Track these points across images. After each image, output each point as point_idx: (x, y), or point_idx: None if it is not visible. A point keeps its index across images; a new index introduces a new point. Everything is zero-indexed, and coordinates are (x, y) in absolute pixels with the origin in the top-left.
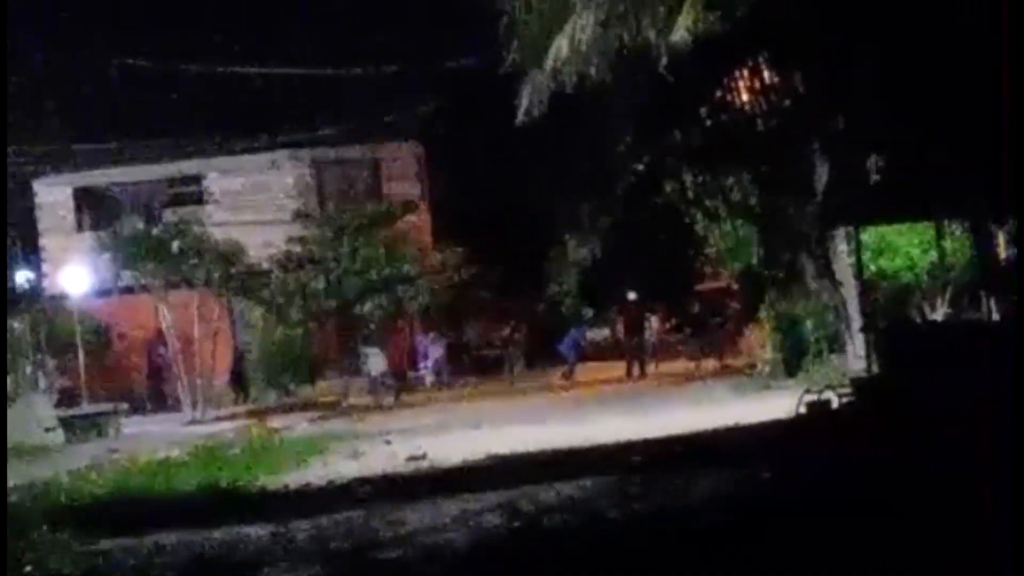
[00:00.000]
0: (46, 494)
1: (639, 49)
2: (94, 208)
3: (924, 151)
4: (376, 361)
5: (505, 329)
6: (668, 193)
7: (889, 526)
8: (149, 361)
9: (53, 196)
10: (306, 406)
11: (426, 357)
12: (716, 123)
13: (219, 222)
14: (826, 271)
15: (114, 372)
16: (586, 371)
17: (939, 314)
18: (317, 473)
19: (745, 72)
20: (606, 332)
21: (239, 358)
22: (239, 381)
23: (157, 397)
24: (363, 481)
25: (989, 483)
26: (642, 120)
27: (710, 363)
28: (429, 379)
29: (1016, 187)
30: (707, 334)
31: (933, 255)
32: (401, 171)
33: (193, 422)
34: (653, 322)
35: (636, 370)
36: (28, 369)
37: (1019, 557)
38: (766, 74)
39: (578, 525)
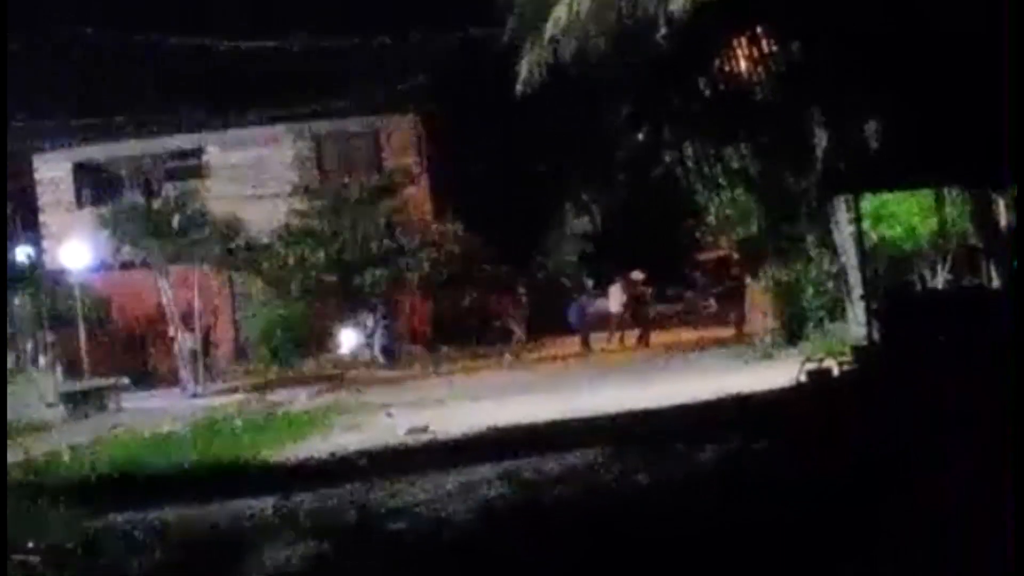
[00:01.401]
0: (48, 469)
1: (637, 18)
2: (94, 183)
3: (924, 118)
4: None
5: (505, 300)
6: (667, 163)
7: (889, 496)
8: (150, 335)
9: (53, 171)
10: (307, 379)
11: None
12: (715, 92)
13: (219, 196)
14: (826, 239)
15: (115, 347)
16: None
17: (939, 281)
18: (318, 446)
19: (744, 40)
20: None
21: (239, 331)
22: (240, 355)
23: (158, 371)
24: (364, 454)
25: (989, 452)
26: (640, 89)
27: (711, 332)
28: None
29: (1017, 153)
30: (708, 303)
31: (933, 222)
32: (400, 143)
33: (194, 396)
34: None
35: (633, 341)
36: (29, 345)
37: (1019, 529)
38: (765, 42)
39: (580, 496)
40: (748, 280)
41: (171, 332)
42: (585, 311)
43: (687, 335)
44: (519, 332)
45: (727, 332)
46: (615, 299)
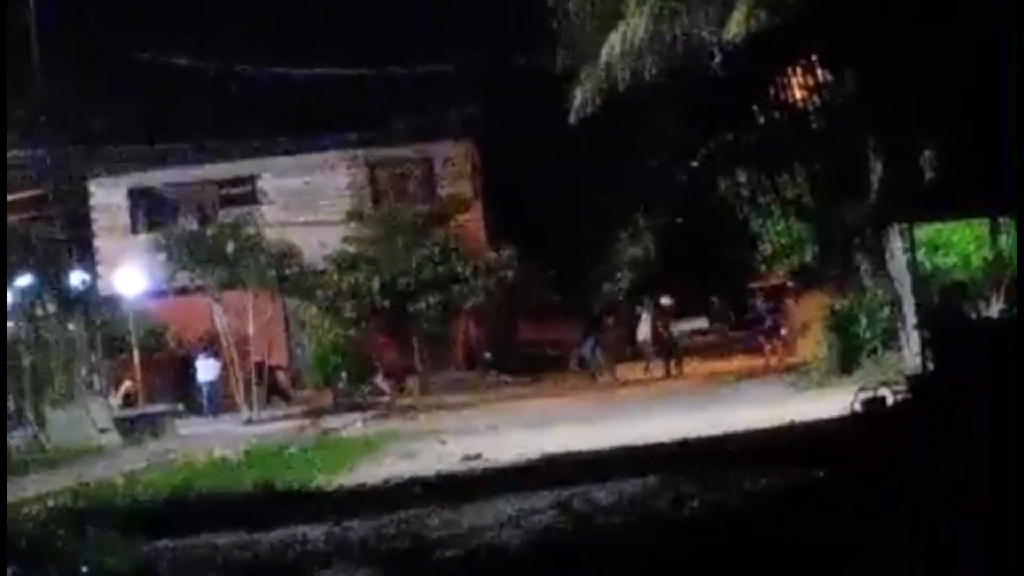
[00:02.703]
0: (102, 495)
1: (692, 46)
2: (149, 209)
3: (978, 147)
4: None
5: (559, 328)
6: (722, 191)
7: (944, 526)
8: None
9: (108, 196)
10: (361, 405)
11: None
12: (769, 121)
13: (273, 222)
14: (881, 268)
15: (169, 373)
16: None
17: (994, 311)
18: (372, 473)
19: (798, 69)
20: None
21: (293, 358)
22: (294, 381)
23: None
24: (417, 481)
25: None
26: (695, 118)
27: (766, 360)
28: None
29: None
30: (763, 331)
31: (987, 251)
32: (454, 170)
33: (249, 422)
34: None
35: (663, 369)
36: (83, 370)
37: None
38: (819, 71)
39: (633, 524)
40: (802, 309)
41: (225, 358)
42: (599, 343)
43: (739, 363)
44: (573, 360)
45: (782, 360)
46: (644, 327)
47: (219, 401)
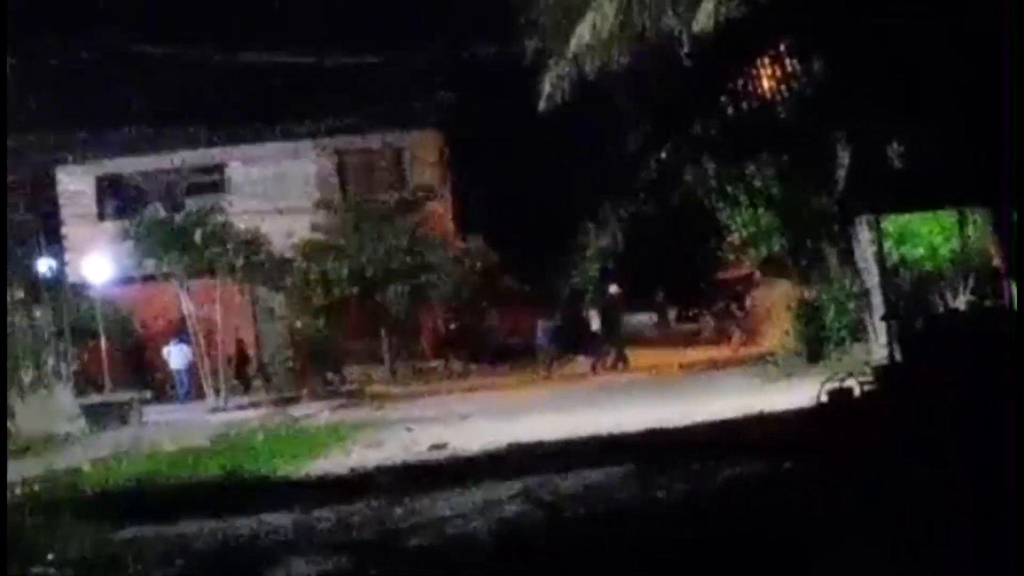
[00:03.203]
0: (69, 483)
1: (661, 37)
2: (116, 196)
3: (946, 139)
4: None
5: (527, 317)
6: (689, 182)
7: (911, 513)
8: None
9: (75, 184)
10: (328, 394)
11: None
12: (737, 111)
13: (241, 211)
14: (848, 259)
15: (136, 360)
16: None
17: (961, 302)
18: (339, 461)
19: (767, 60)
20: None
21: (260, 346)
22: (261, 370)
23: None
24: (385, 470)
25: (1013, 472)
26: (663, 108)
27: (732, 351)
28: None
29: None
30: (729, 322)
31: (955, 243)
32: (423, 160)
33: (216, 410)
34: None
35: (610, 362)
36: (50, 358)
37: None
38: (787, 62)
39: (600, 514)
40: (770, 299)
41: (192, 346)
42: (552, 332)
43: (706, 354)
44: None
45: (746, 351)
46: (595, 319)
47: (192, 388)
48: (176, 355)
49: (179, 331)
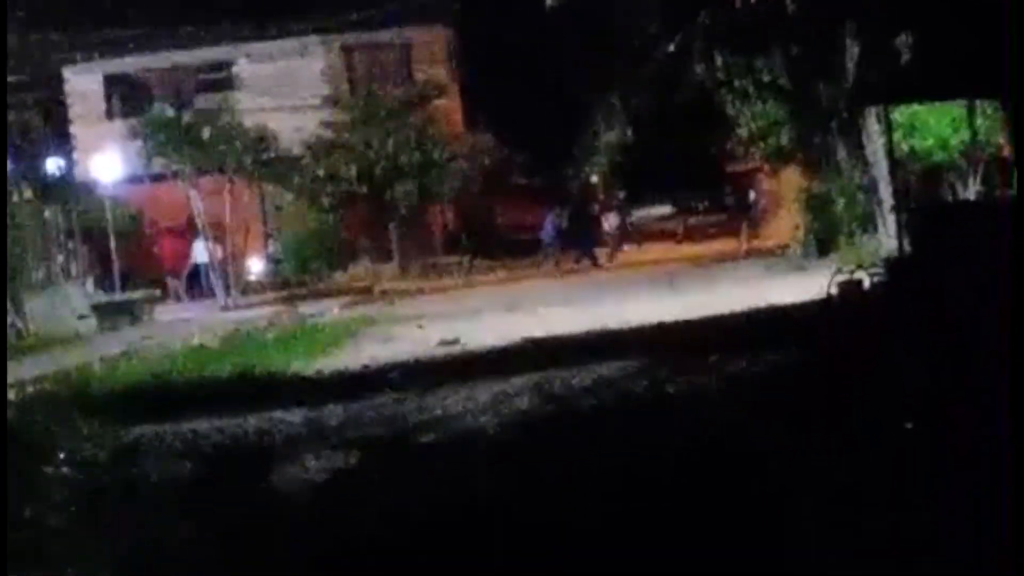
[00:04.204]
0: (79, 381)
1: None
2: (124, 95)
3: (955, 29)
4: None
5: (537, 212)
6: (698, 74)
7: (918, 407)
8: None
9: (83, 83)
10: (338, 291)
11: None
12: (746, 3)
13: (249, 108)
14: (857, 151)
15: (146, 259)
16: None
17: (971, 193)
18: (349, 358)
19: None
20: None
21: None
22: (270, 267)
23: (189, 283)
24: (395, 366)
25: (1019, 362)
26: (672, 1)
27: (741, 244)
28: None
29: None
30: (739, 215)
31: (964, 134)
32: (431, 55)
33: (226, 308)
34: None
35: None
36: (60, 257)
37: None
38: None
39: (610, 407)
40: (779, 192)
41: (201, 244)
42: (557, 228)
43: (715, 248)
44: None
45: (756, 244)
46: (612, 217)
47: (213, 282)
48: (198, 250)
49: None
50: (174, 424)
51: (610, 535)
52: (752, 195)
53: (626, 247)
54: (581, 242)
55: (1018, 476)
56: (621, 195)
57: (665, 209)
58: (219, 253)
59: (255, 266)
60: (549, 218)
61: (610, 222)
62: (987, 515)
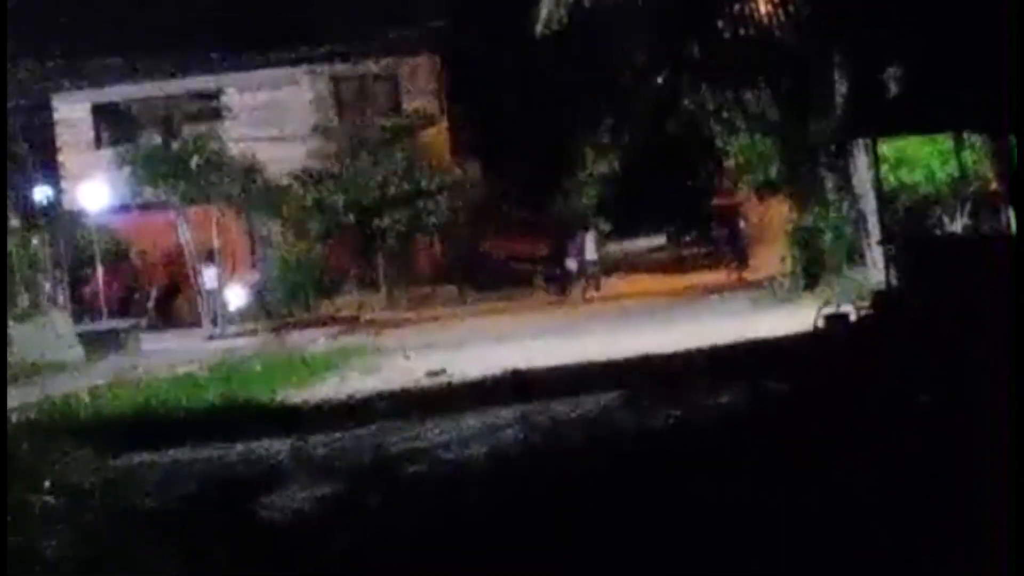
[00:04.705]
0: (66, 410)
1: None
2: (113, 124)
3: (943, 63)
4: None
5: (524, 243)
6: (687, 106)
7: (904, 438)
8: (168, 277)
9: (72, 112)
10: (324, 321)
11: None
12: (735, 36)
13: (238, 138)
14: (845, 184)
15: (134, 288)
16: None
17: (958, 226)
18: (336, 388)
19: None
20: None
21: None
22: (258, 297)
23: (176, 313)
24: (382, 396)
25: (1006, 397)
26: (661, 33)
27: (729, 276)
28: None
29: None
30: (726, 248)
31: (952, 167)
32: (419, 85)
33: (213, 337)
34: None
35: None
36: (47, 286)
37: None
38: None
39: (596, 439)
40: (766, 225)
41: (190, 274)
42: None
43: (702, 280)
44: (539, 275)
45: (743, 277)
46: (590, 247)
47: (222, 311)
48: (212, 277)
49: (210, 254)
50: (160, 452)
51: (596, 566)
52: (740, 227)
53: (613, 278)
54: (557, 275)
55: (1007, 501)
56: (606, 227)
57: (652, 241)
58: (207, 283)
59: (242, 295)
60: (574, 245)
61: (589, 254)
62: (972, 544)
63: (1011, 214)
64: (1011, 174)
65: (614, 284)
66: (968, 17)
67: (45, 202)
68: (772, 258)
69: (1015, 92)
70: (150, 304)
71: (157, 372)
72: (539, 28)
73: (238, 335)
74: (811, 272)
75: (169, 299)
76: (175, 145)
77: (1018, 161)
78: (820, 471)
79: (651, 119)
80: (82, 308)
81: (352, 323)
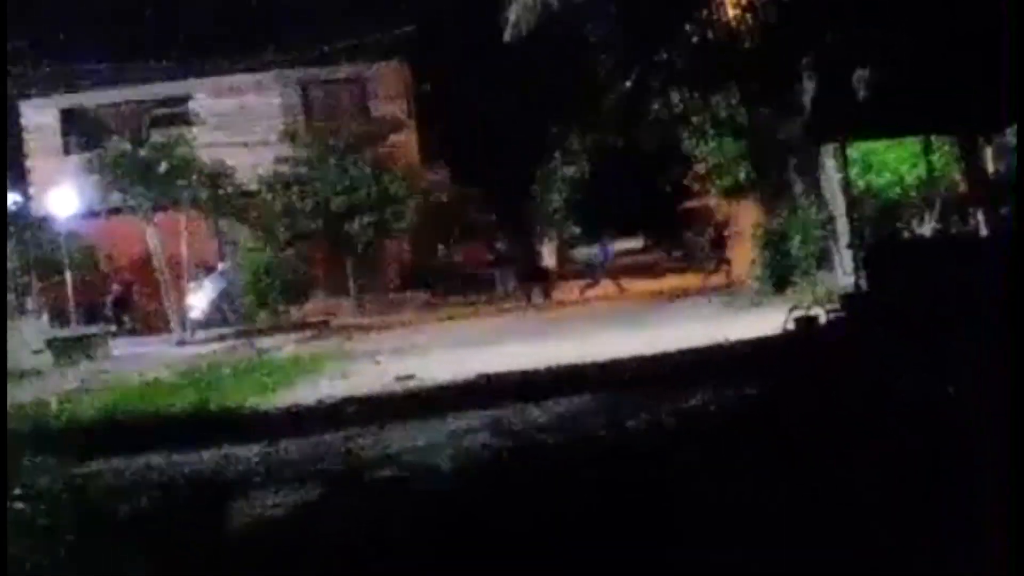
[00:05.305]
0: (35, 417)
1: None
2: (81, 130)
3: (911, 65)
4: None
5: (493, 248)
6: (655, 110)
7: (874, 441)
8: (137, 283)
9: (40, 118)
10: (294, 326)
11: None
12: (703, 40)
13: (206, 143)
14: (814, 187)
15: (102, 294)
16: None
17: (927, 229)
18: (306, 393)
19: None
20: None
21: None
22: (227, 302)
23: (145, 319)
24: (351, 401)
25: (977, 398)
26: (629, 37)
27: (698, 280)
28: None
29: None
30: (695, 251)
31: (921, 170)
32: (388, 91)
33: (182, 343)
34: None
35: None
36: (15, 293)
37: (1013, 474)
38: None
39: (567, 443)
40: (736, 228)
41: (158, 279)
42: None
43: (672, 283)
44: (509, 280)
45: (712, 280)
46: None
47: (192, 316)
48: (209, 284)
49: (179, 259)
50: (129, 459)
51: (566, 570)
52: (709, 231)
53: (582, 282)
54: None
55: (984, 501)
56: (576, 230)
57: (622, 244)
58: (175, 288)
59: (211, 301)
60: (602, 244)
61: (553, 257)
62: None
63: (979, 217)
64: (1012, 174)
65: (583, 288)
66: (938, 20)
67: (13, 208)
68: (742, 261)
69: (1003, 92)
70: (108, 301)
71: (126, 378)
72: (508, 33)
73: (207, 340)
74: (781, 275)
75: (127, 299)
76: (143, 151)
77: (1018, 161)
78: (791, 472)
79: (620, 123)
80: (51, 314)
81: (322, 328)
